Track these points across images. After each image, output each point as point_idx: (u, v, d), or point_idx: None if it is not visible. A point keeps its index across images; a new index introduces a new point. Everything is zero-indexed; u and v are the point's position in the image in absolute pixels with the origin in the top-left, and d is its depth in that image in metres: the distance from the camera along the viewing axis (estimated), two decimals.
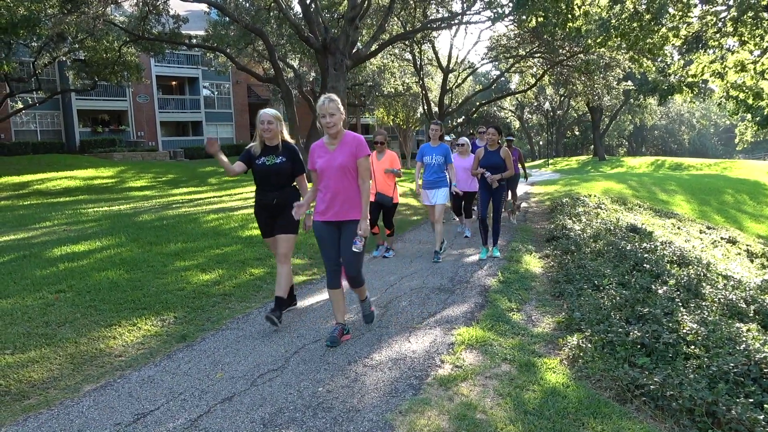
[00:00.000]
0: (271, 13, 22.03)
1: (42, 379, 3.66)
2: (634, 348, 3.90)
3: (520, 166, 11.38)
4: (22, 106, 27.16)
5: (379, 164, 7.06)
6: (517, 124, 61.08)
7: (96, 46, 22.09)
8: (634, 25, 14.21)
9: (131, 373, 3.76)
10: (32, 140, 31.63)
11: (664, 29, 14.70)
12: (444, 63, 31.73)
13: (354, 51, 17.65)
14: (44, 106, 30.31)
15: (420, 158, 7.59)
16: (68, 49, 23.58)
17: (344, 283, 4.39)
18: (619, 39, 15.10)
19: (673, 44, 15.69)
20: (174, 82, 39.21)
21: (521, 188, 18.53)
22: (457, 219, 9.71)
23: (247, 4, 22.95)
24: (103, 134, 33.87)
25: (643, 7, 14.11)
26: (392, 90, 33.31)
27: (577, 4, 14.00)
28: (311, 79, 30.59)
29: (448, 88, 32.06)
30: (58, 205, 14.93)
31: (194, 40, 23.34)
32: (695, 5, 14.97)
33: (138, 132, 35.69)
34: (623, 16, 14.48)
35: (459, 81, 35.31)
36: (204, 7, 20.80)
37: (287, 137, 4.71)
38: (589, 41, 16.44)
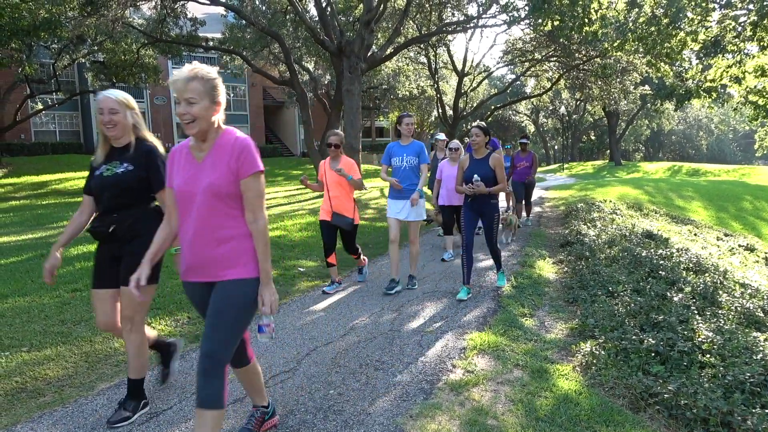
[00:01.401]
0: (287, 16, 22.16)
1: (57, 377, 3.71)
2: (649, 356, 3.86)
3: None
4: (41, 107, 27.58)
5: (333, 174, 5.71)
6: (532, 128, 60.76)
7: (115, 49, 22.39)
8: (652, 29, 14.09)
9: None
10: (51, 141, 32.12)
11: (682, 33, 14.56)
12: (459, 66, 31.68)
13: (369, 54, 17.68)
14: (63, 107, 30.78)
15: (386, 160, 5.91)
16: (87, 51, 23.94)
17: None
18: (636, 43, 14.98)
19: (691, 48, 15.52)
20: None
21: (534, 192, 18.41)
22: (446, 241, 7.90)
23: (264, 7, 23.12)
24: None
25: (661, 11, 13.99)
26: (407, 93, 33.33)
27: (593, 8, 13.91)
28: (326, 82, 30.71)
29: (462, 91, 31.98)
30: (75, 205, 15.13)
31: (211, 43, 23.54)
32: (714, 9, 14.81)
33: (155, 133, 35.95)
34: (641, 20, 14.38)
35: (474, 85, 35.23)
36: (221, 10, 20.98)
37: (146, 134, 3.20)
38: (606, 45, 16.33)
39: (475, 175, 5.36)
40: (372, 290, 5.96)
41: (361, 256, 6.25)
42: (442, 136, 8.87)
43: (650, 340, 4.00)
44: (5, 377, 3.66)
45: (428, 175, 6.17)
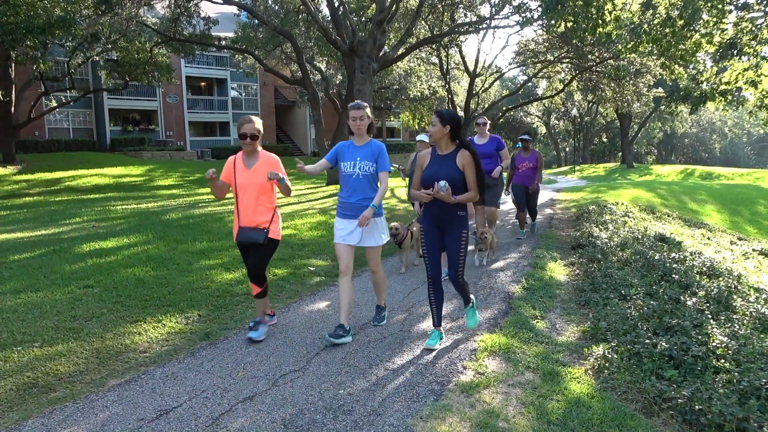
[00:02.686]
0: (300, 16, 22.21)
1: (68, 373, 3.72)
2: (662, 360, 3.81)
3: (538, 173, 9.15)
4: (55, 105, 27.82)
5: (248, 174, 4.29)
6: (543, 129, 60.50)
7: (128, 47, 22.55)
8: (666, 30, 13.95)
9: (155, 370, 3.80)
10: (65, 138, 32.41)
11: (697, 35, 14.40)
12: (471, 67, 31.59)
13: (381, 54, 17.67)
14: (77, 104, 31.03)
15: (331, 158, 4.47)
16: (101, 50, 24.10)
17: None
18: (650, 45, 14.83)
19: (706, 51, 15.36)
20: (203, 83, 39.79)
21: (542, 195, 18.29)
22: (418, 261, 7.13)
23: (276, 7, 23.18)
24: (133, 133, 34.55)
25: (676, 12, 13.84)
26: (418, 94, 33.27)
27: (608, 9, 13.80)
28: (338, 82, 30.73)
29: (474, 92, 31.89)
30: (87, 202, 15.24)
31: (223, 42, 23.65)
32: (730, 11, 14.65)
33: (167, 131, 36.28)
34: (655, 22, 14.23)
35: (486, 85, 35.12)
36: (234, 9, 21.06)
37: None
38: (620, 47, 16.19)
39: (442, 182, 3.94)
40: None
41: (266, 297, 4.50)
42: (425, 137, 7.12)
43: (663, 344, 3.95)
44: (17, 372, 3.68)
45: (388, 188, 4.52)
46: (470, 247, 7.22)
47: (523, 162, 9.06)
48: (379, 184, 4.46)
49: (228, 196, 4.56)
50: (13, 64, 23.35)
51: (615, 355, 3.94)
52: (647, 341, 4.06)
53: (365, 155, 4.39)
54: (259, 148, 4.41)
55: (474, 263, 7.15)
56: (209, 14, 21.13)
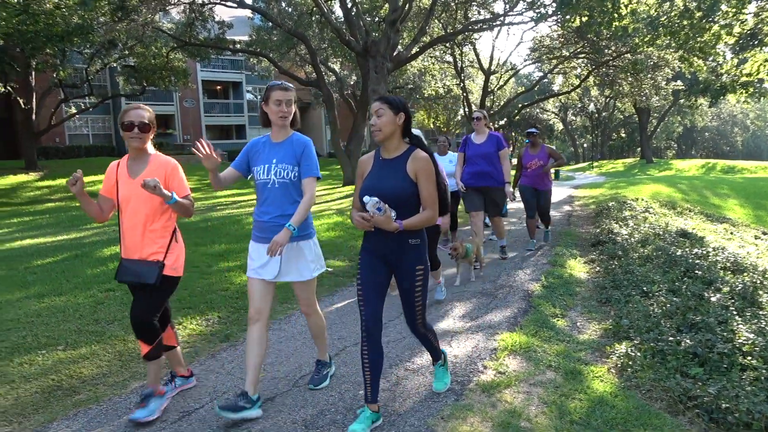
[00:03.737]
0: (313, 18, 22.27)
1: (92, 375, 3.77)
2: (686, 358, 3.74)
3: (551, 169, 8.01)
4: (75, 111, 28.25)
5: (133, 186, 3.15)
6: (560, 126, 60.01)
7: (145, 53, 22.81)
8: (684, 23, 13.75)
9: None
10: (84, 144, 32.94)
11: (716, 27, 14.17)
12: (485, 65, 31.45)
13: (395, 54, 17.66)
14: (96, 110, 31.49)
15: (239, 164, 3.38)
16: (119, 56, 24.44)
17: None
18: (668, 38, 14.64)
19: (725, 42, 15.11)
20: (219, 87, 40.14)
21: (561, 192, 18.12)
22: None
23: (290, 9, 23.28)
24: None
25: (694, 4, 13.64)
26: (433, 93, 33.20)
27: (624, 2, 13.65)
28: (352, 83, 30.79)
29: (489, 90, 31.74)
30: None
31: (238, 45, 23.80)
32: (750, 1, 14.39)
33: (184, 135, 36.67)
34: (672, 14, 14.04)
35: (501, 83, 34.93)
36: (248, 12, 21.19)
37: None
38: (637, 40, 16.00)
39: (370, 199, 2.74)
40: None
41: (157, 358, 3.20)
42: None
43: (688, 341, 3.89)
44: (42, 375, 3.73)
45: (311, 196, 3.25)
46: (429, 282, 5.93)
47: (532, 160, 7.93)
48: (302, 193, 3.28)
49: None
50: (33, 72, 23.77)
51: (638, 353, 3.88)
52: (671, 339, 3.99)
53: (284, 156, 3.23)
54: (152, 149, 3.25)
55: (455, 283, 6.06)
56: (223, 18, 21.29)
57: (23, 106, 24.11)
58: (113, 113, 34.34)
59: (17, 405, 3.35)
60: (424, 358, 3.95)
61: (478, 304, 5.33)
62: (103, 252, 7.55)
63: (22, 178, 23.45)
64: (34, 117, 24.80)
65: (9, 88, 23.50)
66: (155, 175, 3.12)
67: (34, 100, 24.61)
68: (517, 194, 8.84)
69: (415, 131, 5.07)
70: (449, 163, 7.46)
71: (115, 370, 3.86)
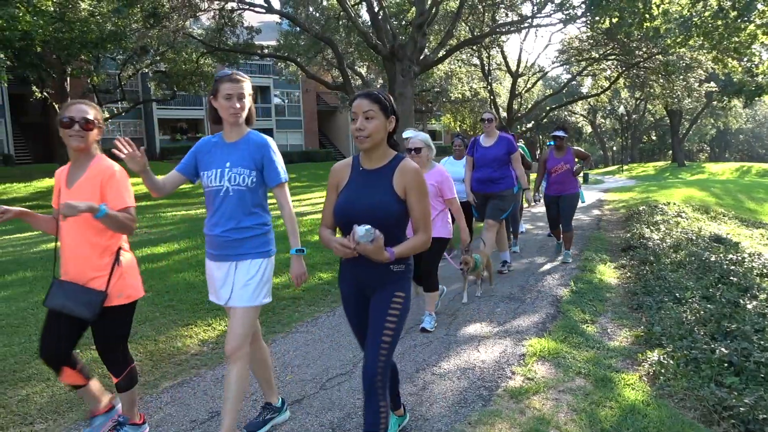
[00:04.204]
0: (340, 22, 22.40)
1: None
2: (721, 366, 3.65)
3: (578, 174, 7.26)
4: (108, 116, 28.92)
5: (68, 196, 2.71)
6: (589, 128, 59.17)
7: (176, 58, 23.27)
8: (719, 23, 13.43)
9: (206, 372, 3.88)
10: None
11: (752, 26, 13.81)
12: (513, 67, 31.19)
13: (421, 57, 17.64)
14: (128, 115, 32.22)
15: (188, 168, 2.90)
16: (150, 61, 24.98)
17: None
18: (701, 38, 14.32)
19: (762, 42, 14.71)
20: None
21: (590, 195, 17.85)
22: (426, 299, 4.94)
23: (317, 14, 23.45)
24: (181, 142, 35.65)
25: (729, 3, 13.32)
26: (459, 96, 33.06)
27: (655, 2, 13.40)
28: (379, 86, 30.89)
29: (517, 92, 31.47)
30: (139, 209, 15.75)
31: (266, 50, 24.08)
32: None
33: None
34: (706, 14, 13.73)
35: (528, 86, 34.61)
36: (276, 18, 21.41)
37: None
38: (668, 41, 15.69)
39: (362, 228, 2.24)
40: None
41: (133, 390, 2.94)
42: (410, 133, 4.77)
43: (723, 349, 3.79)
44: None
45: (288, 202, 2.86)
46: (445, 287, 5.44)
47: (557, 164, 7.16)
48: (260, 201, 2.81)
49: None
50: (68, 78, 24.44)
51: (671, 361, 3.80)
52: (705, 347, 3.90)
53: (240, 159, 2.73)
54: (97, 151, 2.77)
55: (463, 300, 5.53)
56: (252, 24, 21.54)
57: (58, 111, 24.77)
58: (144, 118, 35.10)
59: (52, 402, 3.44)
60: (452, 363, 3.93)
61: (506, 308, 5.28)
62: (134, 253, 7.71)
63: None
64: None
65: (45, 93, 24.22)
66: (92, 183, 2.66)
67: None
68: (540, 197, 8.42)
69: (417, 134, 4.64)
70: (463, 168, 6.69)
71: (147, 369, 3.93)
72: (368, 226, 2.25)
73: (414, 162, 2.47)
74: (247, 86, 2.76)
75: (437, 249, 4.64)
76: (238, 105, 2.72)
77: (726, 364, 3.67)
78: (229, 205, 2.72)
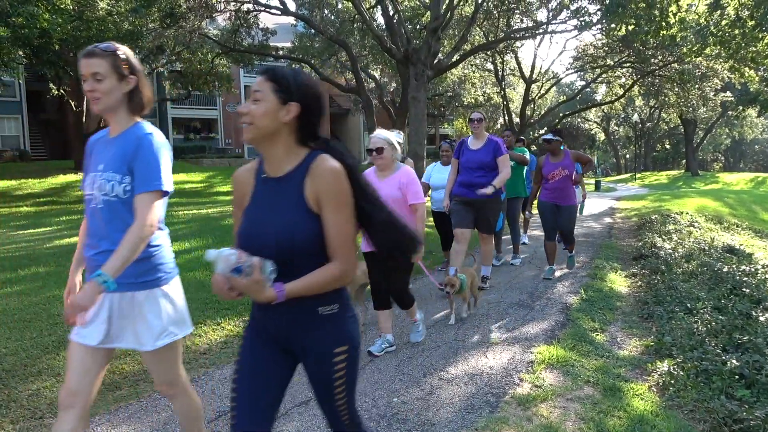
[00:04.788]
0: (355, 25, 22.48)
1: (133, 372, 3.87)
2: (732, 379, 3.61)
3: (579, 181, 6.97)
4: None
5: None
6: (602, 136, 58.86)
7: (191, 58, 23.46)
8: (736, 32, 13.34)
9: (214, 371, 3.90)
10: None
11: None
12: (527, 73, 31.11)
13: (435, 61, 17.65)
14: (143, 114, 32.51)
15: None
16: (166, 61, 25.17)
17: None
18: (717, 47, 14.23)
19: None
20: None
21: (593, 204, 17.73)
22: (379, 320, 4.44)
23: (332, 17, 23.56)
24: (194, 141, 35.89)
25: (747, 13, 13.21)
26: (472, 100, 33.02)
27: (672, 10, 13.32)
28: (392, 89, 30.91)
29: (530, 98, 31.38)
30: None
31: (281, 52, 24.22)
32: None
33: (227, 139, 37.49)
34: (723, 23, 13.63)
35: (542, 92, 34.49)
36: (291, 20, 21.54)
37: None
38: (684, 50, 15.60)
39: (217, 252, 1.66)
40: (435, 296, 5.88)
41: None
42: (380, 134, 4.21)
43: (734, 361, 3.75)
44: None
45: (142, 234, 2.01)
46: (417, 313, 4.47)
47: (554, 170, 6.52)
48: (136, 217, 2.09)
49: None
50: None
51: (681, 372, 3.76)
52: (716, 358, 3.86)
53: (112, 159, 2.14)
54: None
55: (449, 321, 5.01)
56: (268, 25, 21.69)
57: (74, 109, 25.07)
58: (159, 117, 35.37)
59: None
60: (459, 368, 3.92)
61: (515, 315, 5.25)
62: None
63: (71, 177, 24.30)
64: (84, 119, 25.75)
65: (62, 90, 24.50)
66: None
67: (85, 103, 25.55)
68: (536, 211, 7.72)
69: (387, 133, 4.06)
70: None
71: None
72: (225, 251, 1.64)
73: (333, 162, 1.75)
74: (104, 63, 2.07)
75: (405, 267, 4.08)
76: (93, 87, 2.08)
77: (737, 377, 3.63)
78: (100, 219, 2.14)
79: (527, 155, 7.87)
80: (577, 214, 7.03)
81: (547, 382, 3.70)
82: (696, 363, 3.85)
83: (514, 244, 7.87)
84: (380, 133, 4.10)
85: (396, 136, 4.15)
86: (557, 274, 7.03)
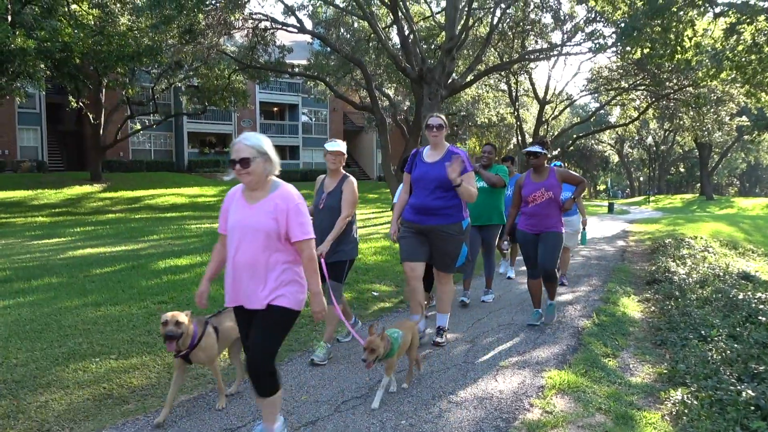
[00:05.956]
0: (370, 44, 22.71)
1: (141, 386, 3.87)
2: (747, 410, 3.53)
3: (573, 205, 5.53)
4: (140, 128, 29.61)
5: None
6: (616, 158, 58.64)
7: (208, 74, 23.83)
8: (752, 57, 13.28)
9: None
10: (146, 159, 34.46)
11: None
12: (540, 94, 31.20)
13: (449, 81, 17.75)
14: (159, 127, 32.94)
15: None
16: (184, 76, 25.59)
17: None
18: (733, 72, 14.17)
19: None
20: (275, 108, 41.30)
21: (606, 226, 17.59)
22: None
23: (348, 36, 23.82)
24: (209, 155, 36.27)
25: (764, 38, 13.17)
26: (486, 120, 33.10)
27: (687, 35, 13.32)
28: (405, 108, 31.08)
29: (543, 119, 31.44)
30: (165, 220, 15.99)
31: (297, 69, 24.49)
32: None
33: None
34: (739, 48, 13.59)
35: (556, 113, 34.52)
36: (308, 38, 21.80)
37: None
38: (700, 74, 15.56)
39: None
40: (454, 306, 5.83)
41: None
42: (334, 144, 4.37)
43: (749, 392, 3.67)
44: (94, 383, 3.85)
45: None
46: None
47: (535, 191, 5.35)
48: None
49: None
50: (104, 90, 25.13)
51: (695, 401, 3.69)
52: (731, 388, 3.78)
53: None
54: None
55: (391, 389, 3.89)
56: (284, 43, 21.96)
57: (93, 121, 25.49)
58: (175, 131, 35.84)
59: (70, 411, 3.46)
60: (468, 391, 3.88)
61: (525, 338, 5.20)
62: (158, 264, 7.80)
63: (87, 189, 24.61)
64: (101, 132, 26.13)
65: (81, 103, 24.91)
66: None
67: (102, 115, 25.97)
68: (508, 246, 6.47)
69: (246, 137, 2.93)
70: None
71: (164, 382, 3.95)
72: None
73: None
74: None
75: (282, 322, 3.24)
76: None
77: (752, 408, 3.54)
78: None
79: (507, 177, 6.39)
80: (578, 245, 6.52)
81: (557, 408, 3.64)
82: (710, 392, 3.78)
83: (486, 277, 6.65)
84: (247, 136, 2.91)
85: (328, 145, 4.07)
86: (569, 296, 6.95)
